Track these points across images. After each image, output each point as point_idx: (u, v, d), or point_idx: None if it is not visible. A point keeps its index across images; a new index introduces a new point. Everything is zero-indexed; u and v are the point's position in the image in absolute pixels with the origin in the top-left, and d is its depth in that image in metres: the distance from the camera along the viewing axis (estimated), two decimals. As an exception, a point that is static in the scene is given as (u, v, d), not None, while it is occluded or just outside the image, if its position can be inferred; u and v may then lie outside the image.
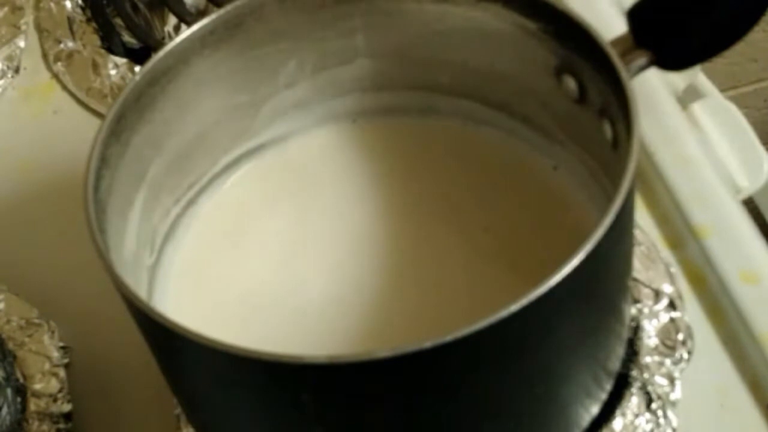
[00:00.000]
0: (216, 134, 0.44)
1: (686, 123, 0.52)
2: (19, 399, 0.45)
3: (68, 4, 0.62)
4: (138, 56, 0.59)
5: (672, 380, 0.43)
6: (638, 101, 0.34)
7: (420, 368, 0.31)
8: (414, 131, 0.46)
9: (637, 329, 0.45)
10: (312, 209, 0.45)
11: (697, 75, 0.57)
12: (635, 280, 0.46)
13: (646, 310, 0.45)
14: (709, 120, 0.52)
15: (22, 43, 0.62)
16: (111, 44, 0.59)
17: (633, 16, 0.38)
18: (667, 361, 0.44)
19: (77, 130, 0.57)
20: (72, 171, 0.50)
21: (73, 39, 0.60)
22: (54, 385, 0.46)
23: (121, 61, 0.58)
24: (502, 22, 0.40)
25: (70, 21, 0.61)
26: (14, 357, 0.47)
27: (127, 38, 0.60)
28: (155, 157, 0.41)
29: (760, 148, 0.52)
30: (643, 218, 0.49)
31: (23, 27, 0.62)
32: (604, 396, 0.41)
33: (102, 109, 0.57)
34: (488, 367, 0.33)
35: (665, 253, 0.48)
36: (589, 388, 0.39)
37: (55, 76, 0.60)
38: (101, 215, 0.36)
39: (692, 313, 0.46)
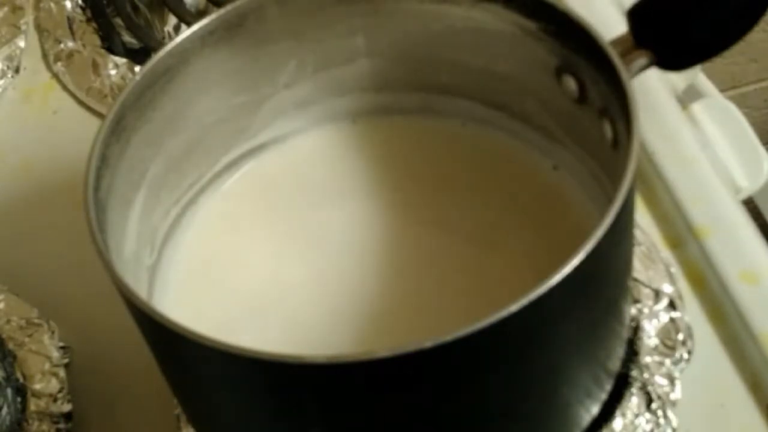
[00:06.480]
0: (216, 134, 0.44)
1: (686, 123, 0.52)
2: (19, 399, 0.45)
3: (68, 4, 0.61)
4: (138, 56, 0.59)
5: (672, 380, 0.43)
6: (638, 101, 0.34)
7: (420, 368, 0.32)
8: (414, 131, 0.46)
9: (637, 329, 0.45)
10: (312, 209, 0.45)
11: (697, 75, 0.57)
12: (635, 280, 0.46)
13: (646, 310, 0.45)
14: (709, 120, 0.52)
15: (22, 43, 0.62)
16: (111, 44, 0.59)
17: (633, 16, 0.38)
18: (667, 361, 0.44)
19: (77, 130, 0.57)
20: (72, 171, 0.50)
21: (73, 39, 0.60)
22: (54, 385, 0.46)
23: (121, 61, 0.58)
24: (502, 22, 0.40)
25: (70, 21, 0.61)
26: (14, 357, 0.47)
27: (127, 38, 0.60)
28: (155, 157, 0.41)
29: (760, 148, 0.52)
30: (643, 218, 0.49)
31: (23, 27, 0.62)
32: (604, 396, 0.41)
33: (102, 109, 0.57)
34: (488, 367, 0.33)
35: (665, 253, 0.48)
36: (589, 388, 0.39)
37: (55, 76, 0.60)
38: (101, 215, 0.36)
39: (692, 313, 0.46)
